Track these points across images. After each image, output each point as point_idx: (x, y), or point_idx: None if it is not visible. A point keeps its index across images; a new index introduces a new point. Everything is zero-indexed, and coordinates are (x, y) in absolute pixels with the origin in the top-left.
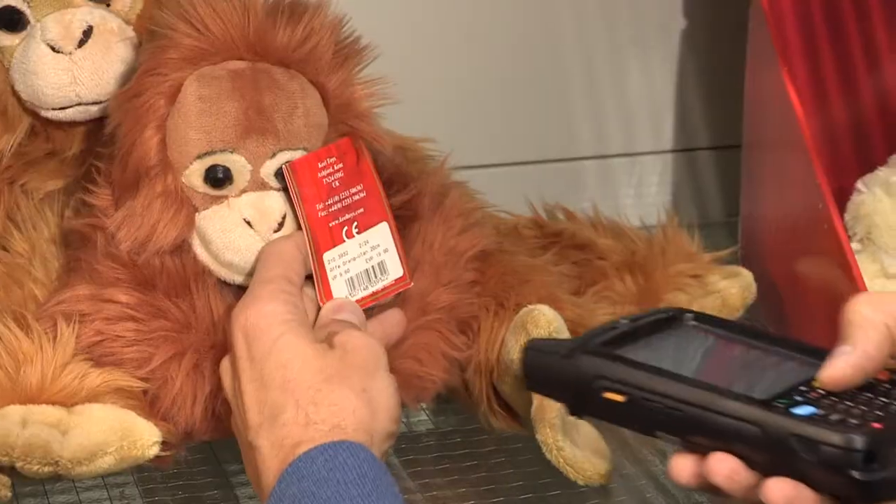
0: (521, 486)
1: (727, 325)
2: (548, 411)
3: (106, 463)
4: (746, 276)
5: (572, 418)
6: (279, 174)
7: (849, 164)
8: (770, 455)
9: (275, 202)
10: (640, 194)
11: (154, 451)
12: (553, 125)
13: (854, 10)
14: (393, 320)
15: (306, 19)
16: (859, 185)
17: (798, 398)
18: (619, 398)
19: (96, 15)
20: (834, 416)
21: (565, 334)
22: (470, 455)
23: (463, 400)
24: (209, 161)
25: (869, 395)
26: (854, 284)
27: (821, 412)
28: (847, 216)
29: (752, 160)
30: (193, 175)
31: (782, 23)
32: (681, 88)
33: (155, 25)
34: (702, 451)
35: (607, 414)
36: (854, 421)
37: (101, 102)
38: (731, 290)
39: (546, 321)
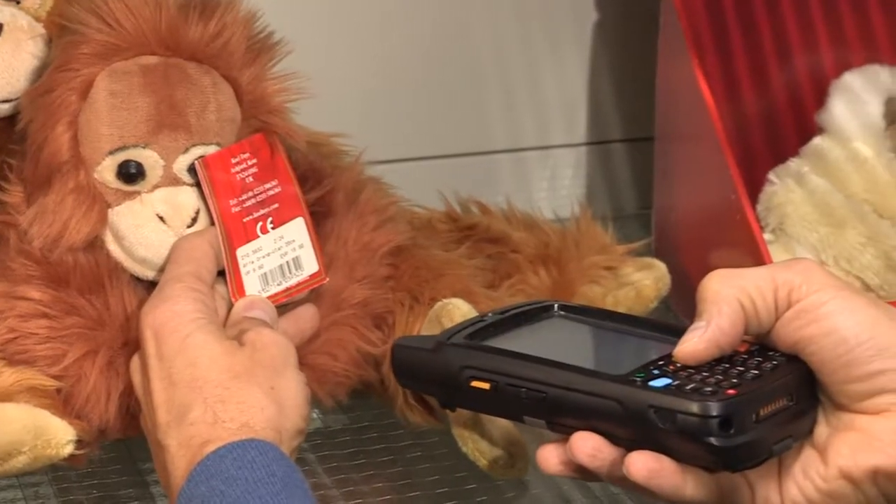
0: (438, 481)
1: (595, 312)
2: None
3: (20, 462)
4: (660, 267)
5: None
6: (192, 170)
7: (761, 156)
8: (630, 429)
9: (188, 198)
10: (554, 187)
11: (69, 449)
12: (466, 119)
13: (764, 3)
14: (306, 316)
15: (219, 14)
16: (771, 176)
17: (655, 371)
18: (485, 386)
19: (6, 13)
20: (689, 386)
21: None
22: (386, 450)
23: (379, 395)
24: (121, 157)
25: (726, 365)
26: None
27: (677, 383)
28: (759, 207)
29: (665, 152)
30: (106, 171)
31: (693, 15)
32: (593, 81)
33: (66, 21)
34: (569, 433)
35: (477, 403)
36: (709, 389)
37: (12, 100)
38: (644, 281)
39: (460, 314)
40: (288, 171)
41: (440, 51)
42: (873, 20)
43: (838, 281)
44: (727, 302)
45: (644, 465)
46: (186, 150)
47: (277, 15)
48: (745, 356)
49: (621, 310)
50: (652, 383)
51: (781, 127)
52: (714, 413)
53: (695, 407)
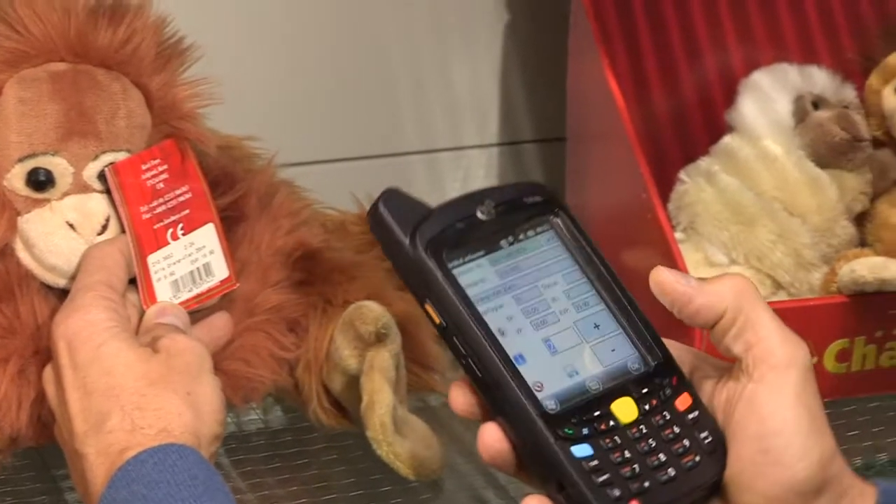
0: (353, 483)
1: (586, 247)
2: (378, 407)
3: None
4: None
5: (402, 413)
6: (102, 177)
7: (671, 155)
8: (537, 468)
9: (98, 205)
10: (467, 188)
11: None
12: (379, 120)
13: (674, 2)
14: (219, 323)
15: (128, 20)
16: (682, 175)
17: (585, 428)
18: (436, 318)
19: None
20: (602, 478)
21: (394, 330)
22: (301, 453)
23: (293, 398)
24: (31, 164)
25: (652, 443)
26: None
27: (594, 463)
28: (670, 206)
29: (577, 152)
30: (15, 178)
31: (603, 15)
32: (505, 82)
33: None
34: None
35: (428, 319)
36: (616, 492)
37: None
38: None
39: (374, 317)
40: (199, 177)
41: (351, 53)
42: (781, 19)
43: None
44: (717, 295)
45: None
46: (96, 156)
47: (187, 20)
48: (677, 433)
49: None
50: (573, 448)
51: (691, 126)
52: None
53: None
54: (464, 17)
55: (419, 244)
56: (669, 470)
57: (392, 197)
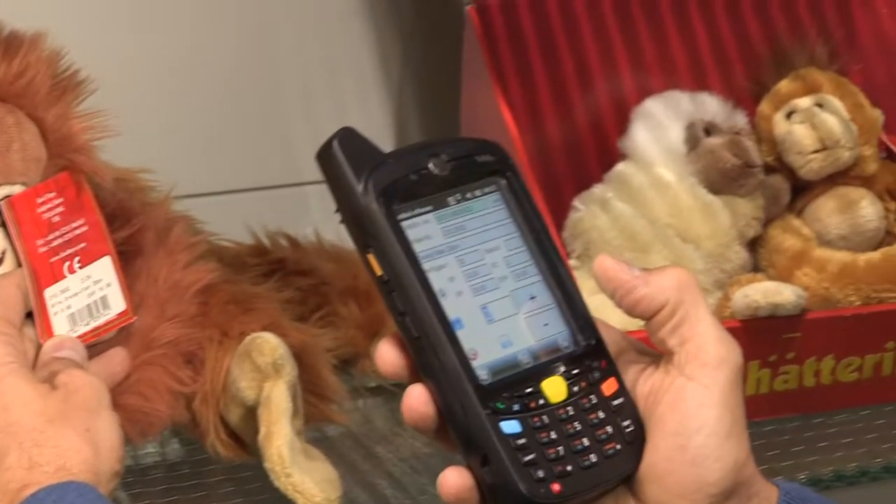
0: None
1: (531, 214)
2: (275, 438)
3: None
4: None
5: (300, 443)
6: None
7: (565, 182)
8: (462, 438)
9: None
10: None
11: None
12: (274, 151)
13: (565, 31)
14: (117, 358)
15: (22, 53)
16: (576, 202)
17: (516, 404)
18: (377, 270)
19: None
20: (528, 457)
21: (290, 361)
22: (199, 486)
23: (191, 431)
24: None
25: (578, 426)
26: None
27: (522, 441)
28: (565, 233)
29: None
30: None
31: (495, 46)
32: (400, 112)
33: None
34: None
35: (367, 268)
36: (540, 473)
37: None
38: None
39: (270, 348)
40: (95, 210)
41: (246, 84)
42: (672, 46)
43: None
44: (663, 286)
45: (455, 483)
46: None
47: (82, 53)
48: (602, 418)
49: None
50: (503, 424)
51: (585, 153)
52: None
53: (516, 488)
54: (358, 47)
55: (371, 191)
56: (591, 456)
57: (347, 137)
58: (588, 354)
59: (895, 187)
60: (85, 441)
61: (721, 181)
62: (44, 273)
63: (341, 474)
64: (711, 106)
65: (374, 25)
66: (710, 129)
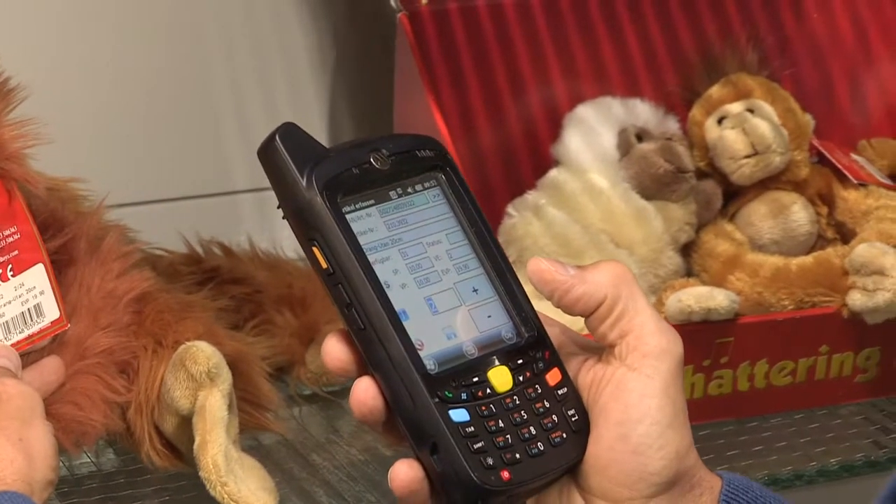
0: None
1: (471, 209)
2: (210, 447)
3: None
4: None
5: (235, 452)
6: None
7: (498, 189)
8: (412, 428)
9: None
10: None
11: None
12: (206, 160)
13: (497, 38)
14: (51, 367)
15: None
16: (510, 209)
17: (463, 392)
18: (322, 263)
19: None
20: (477, 444)
21: (225, 370)
22: (134, 496)
23: (125, 441)
24: None
25: (524, 414)
26: None
27: (471, 429)
28: (499, 240)
29: None
30: None
31: (428, 52)
32: (333, 119)
33: None
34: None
35: (311, 262)
36: (489, 460)
37: None
38: None
39: (204, 357)
40: (27, 218)
41: (177, 92)
42: (604, 53)
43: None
44: (600, 281)
45: (406, 475)
46: None
47: (9, 61)
48: (547, 407)
49: None
50: (452, 412)
51: (518, 160)
52: (476, 496)
53: (466, 475)
54: (290, 54)
55: (315, 185)
56: (539, 444)
57: (289, 132)
58: (531, 345)
59: (826, 192)
60: (18, 450)
61: (653, 186)
62: None
63: (277, 483)
64: (643, 112)
65: (306, 33)
66: (641, 135)
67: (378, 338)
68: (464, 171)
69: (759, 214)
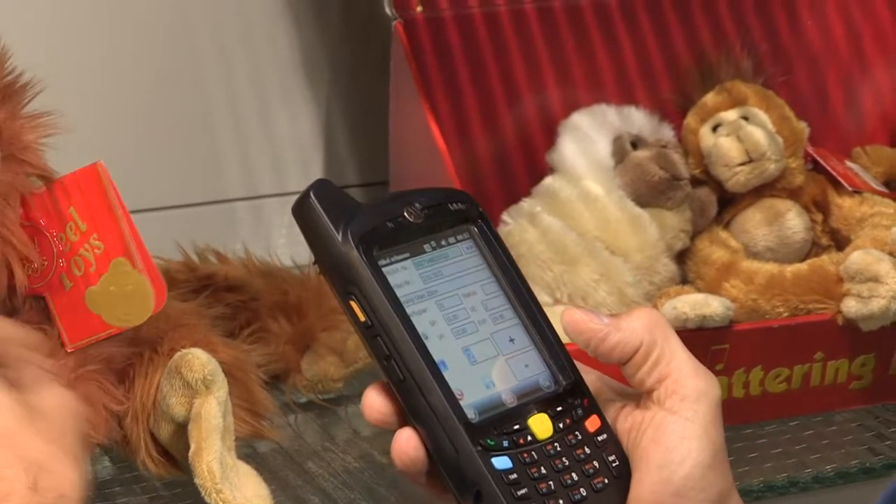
0: None
1: (504, 260)
2: (205, 454)
3: None
4: None
5: (231, 459)
6: None
7: (494, 196)
8: (455, 477)
9: None
10: (293, 234)
11: None
12: (202, 168)
13: (492, 45)
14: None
15: None
16: (505, 216)
17: (505, 440)
18: (360, 316)
19: None
20: (520, 490)
21: (220, 377)
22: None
23: (121, 448)
24: None
25: (566, 462)
26: None
27: (514, 476)
28: None
29: None
30: None
31: (423, 59)
32: (328, 127)
33: None
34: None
35: (349, 316)
36: None
37: None
38: None
39: (200, 364)
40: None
41: (172, 100)
42: (599, 60)
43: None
44: (635, 328)
45: None
46: None
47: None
48: (588, 454)
49: (361, 354)
50: (494, 460)
51: (513, 167)
52: None
53: None
54: (284, 63)
55: (351, 239)
56: (581, 490)
57: (323, 188)
58: (569, 393)
59: (821, 199)
60: (78, 471)
61: (648, 194)
62: None
63: (272, 490)
64: (638, 119)
65: (301, 41)
66: (636, 143)
67: (419, 388)
68: (458, 180)
69: (754, 222)
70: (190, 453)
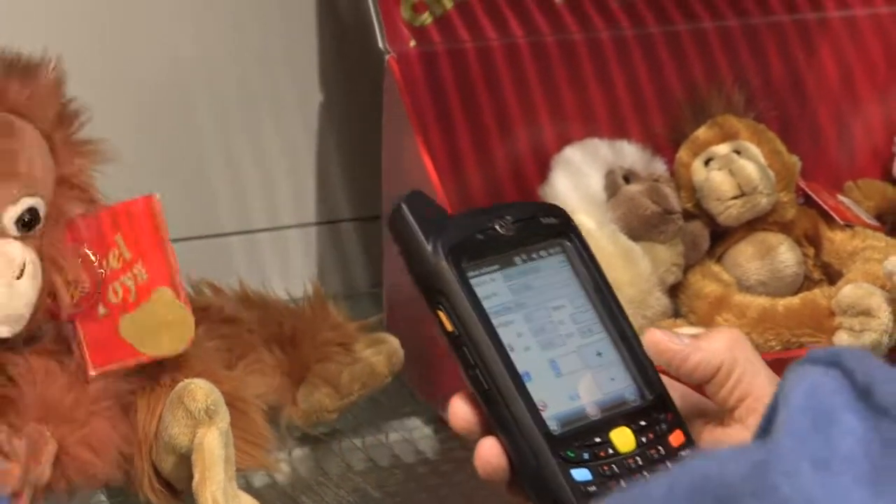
0: None
1: (595, 275)
2: (209, 483)
3: None
4: (392, 342)
5: (232, 490)
6: (20, 221)
7: None
8: (535, 487)
9: (15, 250)
10: (286, 267)
11: None
12: (195, 202)
13: (485, 79)
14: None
15: (40, 76)
16: None
17: (586, 452)
18: (448, 326)
19: None
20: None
21: (223, 407)
22: None
23: (121, 482)
24: None
25: (646, 475)
26: None
27: (592, 487)
28: None
29: None
30: None
31: (416, 93)
32: (321, 161)
33: None
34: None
35: (437, 325)
36: None
37: None
38: (377, 356)
39: (203, 394)
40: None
41: (166, 134)
42: (591, 94)
43: None
44: (713, 351)
45: None
46: (16, 200)
47: None
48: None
49: (356, 387)
50: (574, 472)
51: (506, 201)
52: None
53: None
54: (278, 97)
55: (441, 250)
56: None
57: (415, 198)
58: (654, 407)
59: (813, 233)
60: None
61: (641, 228)
62: None
63: None
64: (630, 153)
65: (294, 74)
66: (629, 177)
67: (501, 398)
68: (452, 212)
69: (746, 255)
70: (193, 483)
